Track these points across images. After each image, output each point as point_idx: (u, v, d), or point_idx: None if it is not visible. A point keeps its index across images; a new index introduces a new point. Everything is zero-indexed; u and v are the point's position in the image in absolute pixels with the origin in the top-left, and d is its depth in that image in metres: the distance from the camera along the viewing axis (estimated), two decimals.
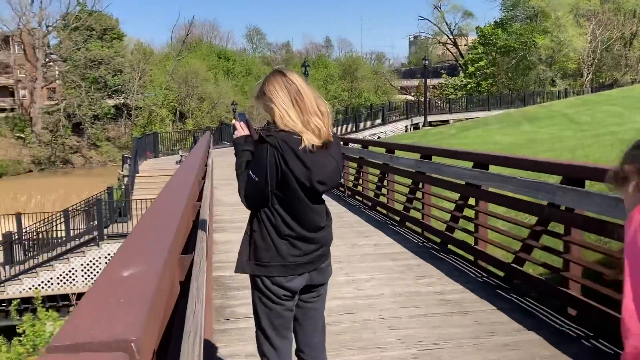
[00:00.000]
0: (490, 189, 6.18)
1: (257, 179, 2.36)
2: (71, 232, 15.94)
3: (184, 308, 2.10)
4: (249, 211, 2.53)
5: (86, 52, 47.95)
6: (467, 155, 6.96)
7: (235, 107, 42.71)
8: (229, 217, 8.46)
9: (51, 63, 51.86)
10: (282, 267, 2.45)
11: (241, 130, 2.59)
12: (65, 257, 14.80)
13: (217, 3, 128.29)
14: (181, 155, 24.81)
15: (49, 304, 14.18)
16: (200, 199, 4.09)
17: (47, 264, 14.58)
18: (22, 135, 48.31)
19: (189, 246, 2.87)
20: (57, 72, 52.07)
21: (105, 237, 15.20)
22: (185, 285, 2.34)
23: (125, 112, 50.73)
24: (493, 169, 6.20)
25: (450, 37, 68.26)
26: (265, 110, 2.51)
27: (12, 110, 51.80)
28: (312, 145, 2.36)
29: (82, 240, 15.51)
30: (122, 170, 25.14)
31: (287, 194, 2.40)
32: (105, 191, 17.41)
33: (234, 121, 2.63)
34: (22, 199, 39.36)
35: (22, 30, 49.05)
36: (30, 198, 39.33)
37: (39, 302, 11.17)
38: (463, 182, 6.63)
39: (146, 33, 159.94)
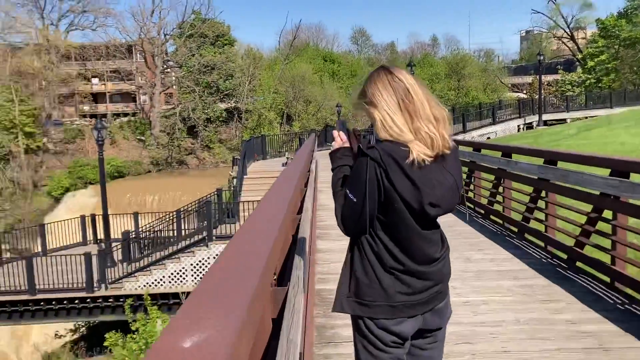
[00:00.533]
0: (631, 201, 5.33)
1: (354, 200, 1.96)
2: (183, 231, 16.54)
3: (276, 350, 1.74)
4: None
5: (200, 58, 50.25)
6: (602, 161, 6.07)
7: (340, 110, 42.71)
8: (334, 222, 8.09)
9: (168, 69, 54.96)
10: (389, 308, 2.02)
11: (339, 140, 2.20)
12: (176, 256, 15.35)
13: (323, 6, 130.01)
14: (287, 157, 25.08)
15: (162, 301, 14.77)
16: (300, 211, 3.75)
17: (160, 263, 15.21)
18: (142, 137, 51.62)
19: (286, 269, 2.53)
20: (173, 78, 55.10)
21: (214, 238, 15.58)
22: (278, 322, 1.99)
23: (236, 115, 52.58)
24: (635, 177, 5.35)
25: (567, 30, 63.94)
26: (367, 116, 2.09)
27: (134, 114, 55.61)
28: (423, 158, 1.93)
29: (192, 240, 16.03)
30: (231, 172, 25.89)
31: (392, 219, 1.98)
32: (215, 193, 17.88)
33: (333, 131, 2.24)
34: (140, 198, 42.07)
35: (143, 40, 52.45)
36: (148, 198, 41.91)
37: (148, 302, 11.56)
38: (597, 192, 5.81)
39: (256, 38, 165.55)
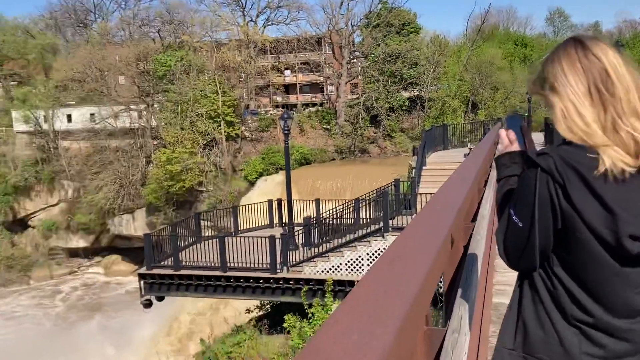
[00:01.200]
0: None
1: (520, 225, 1.48)
2: (361, 220, 16.74)
3: None
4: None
5: (385, 48, 50.48)
6: None
7: (531, 97, 39.66)
8: None
9: (354, 60, 56.20)
10: None
11: (507, 142, 1.70)
12: (353, 244, 15.56)
13: None
14: (469, 148, 23.98)
15: (338, 287, 15.09)
16: (475, 217, 3.24)
17: (337, 250, 15.56)
18: (328, 127, 53.63)
19: (455, 284, 2.13)
20: (359, 68, 56.20)
21: (390, 229, 15.47)
22: None
23: (419, 103, 51.97)
24: None
25: None
26: (546, 105, 1.56)
27: (322, 104, 58.02)
28: (622, 169, 1.38)
29: (369, 229, 16.12)
30: (411, 161, 25.56)
31: (575, 253, 1.45)
32: (392, 183, 17.75)
33: (500, 130, 1.72)
34: (323, 184, 43.79)
35: (331, 32, 54.32)
36: (331, 184, 43.45)
37: (330, 289, 11.82)
38: None
39: (442, 25, 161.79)
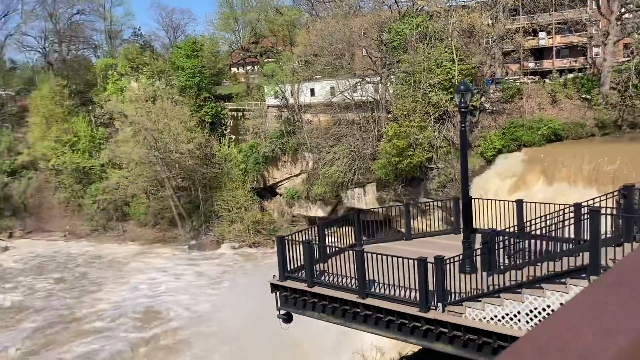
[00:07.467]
0: None
1: None
2: (564, 245, 11.52)
3: None
4: None
5: None
6: None
7: None
8: None
9: (627, 14, 45.78)
10: None
11: None
12: (539, 285, 10.44)
13: None
14: None
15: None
16: None
17: (515, 291, 10.65)
18: (587, 96, 44.99)
19: None
20: (633, 24, 45.61)
21: (600, 269, 10.22)
22: None
23: None
24: None
25: None
26: None
27: (581, 70, 49.03)
28: None
29: (571, 263, 10.89)
30: None
31: None
32: None
33: None
34: (576, 167, 36.62)
35: None
36: (585, 167, 36.02)
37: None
38: None
39: None
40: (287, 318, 12.82)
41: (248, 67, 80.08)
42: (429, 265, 10.39)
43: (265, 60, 63.22)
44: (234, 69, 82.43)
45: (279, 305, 12.84)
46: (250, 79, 69.62)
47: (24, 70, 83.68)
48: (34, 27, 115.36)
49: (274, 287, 12.79)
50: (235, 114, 65.71)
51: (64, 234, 67.12)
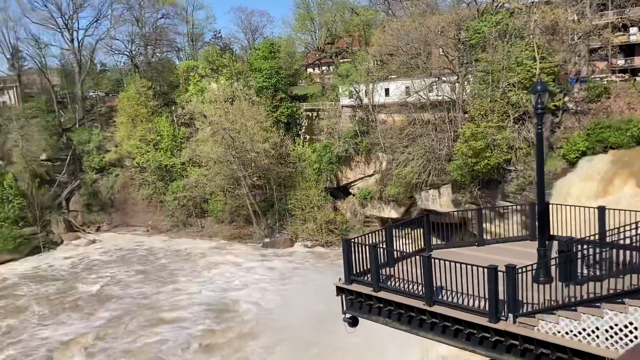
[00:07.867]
0: None
1: None
2: None
3: None
4: None
5: None
6: None
7: None
8: None
9: None
10: None
11: None
12: (621, 300, 9.72)
13: None
14: None
15: None
16: None
17: (594, 305, 9.99)
18: None
19: None
20: None
21: None
22: None
23: None
24: None
25: None
26: None
27: None
28: None
29: None
30: None
31: None
32: None
33: None
34: None
35: None
36: None
37: None
38: None
39: None
40: (353, 322, 12.76)
41: (323, 68, 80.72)
42: (500, 274, 9.99)
43: (340, 60, 63.36)
44: (309, 70, 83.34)
45: (344, 308, 12.79)
46: (325, 79, 70.13)
47: (112, 72, 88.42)
48: (122, 31, 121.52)
49: (340, 290, 12.76)
50: (310, 114, 66.40)
51: (146, 228, 70.41)
